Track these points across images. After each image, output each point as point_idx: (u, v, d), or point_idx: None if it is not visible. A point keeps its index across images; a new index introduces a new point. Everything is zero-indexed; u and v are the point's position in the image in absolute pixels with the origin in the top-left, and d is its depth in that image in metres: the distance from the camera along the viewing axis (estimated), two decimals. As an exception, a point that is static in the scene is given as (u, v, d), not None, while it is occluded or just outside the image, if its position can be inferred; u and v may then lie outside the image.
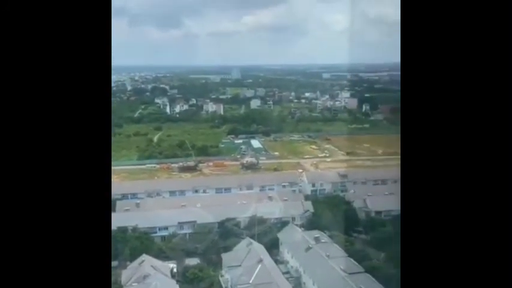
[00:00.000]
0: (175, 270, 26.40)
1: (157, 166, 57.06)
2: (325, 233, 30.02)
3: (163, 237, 32.25)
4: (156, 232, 32.54)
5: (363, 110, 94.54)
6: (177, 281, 24.91)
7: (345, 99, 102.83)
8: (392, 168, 40.84)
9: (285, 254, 29.37)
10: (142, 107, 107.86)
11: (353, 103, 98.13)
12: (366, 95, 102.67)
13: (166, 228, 33.01)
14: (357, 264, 24.90)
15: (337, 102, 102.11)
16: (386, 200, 35.01)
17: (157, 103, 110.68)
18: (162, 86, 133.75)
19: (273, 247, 29.76)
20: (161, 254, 28.46)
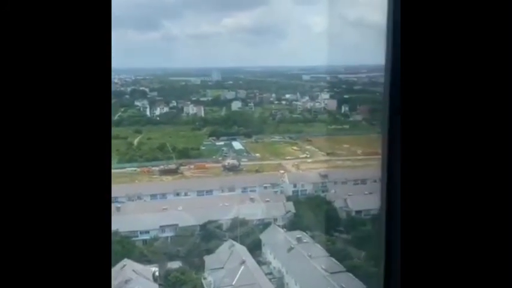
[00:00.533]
0: (157, 274, 26.15)
1: (138, 169, 56.41)
2: (307, 233, 30.21)
3: (144, 241, 31.90)
4: (137, 236, 32.16)
5: (342, 111, 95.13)
6: (160, 285, 24.72)
7: (325, 100, 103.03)
8: (372, 168, 41.43)
9: (268, 255, 29.45)
10: (122, 109, 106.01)
11: (332, 104, 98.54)
12: (345, 96, 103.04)
13: (147, 231, 32.65)
14: (338, 263, 25.15)
15: (317, 104, 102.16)
16: (366, 200, 35.45)
17: (137, 106, 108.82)
18: (141, 88, 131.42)
19: (255, 248, 29.80)
20: (143, 258, 28.16)
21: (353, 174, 46.78)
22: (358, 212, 36.23)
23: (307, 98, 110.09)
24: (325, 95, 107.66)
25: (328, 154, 63.53)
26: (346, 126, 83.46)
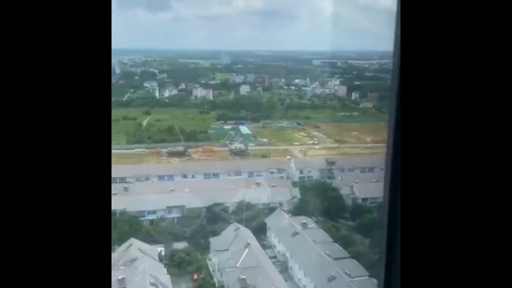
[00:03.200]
0: (163, 253, 26.55)
1: (146, 150, 56.78)
2: (312, 218, 30.38)
3: (151, 221, 32.29)
4: (144, 216, 32.54)
5: (352, 97, 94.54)
6: (165, 265, 25.11)
7: (335, 86, 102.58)
8: (380, 156, 41.20)
9: (272, 238, 29.72)
10: (131, 90, 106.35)
11: (342, 90, 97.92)
12: (356, 82, 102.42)
13: (154, 212, 33.02)
14: (342, 249, 25.33)
15: (326, 90, 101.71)
16: (372, 187, 35.37)
17: (146, 87, 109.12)
18: (151, 70, 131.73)
19: (260, 232, 30.08)
20: (149, 238, 28.57)
21: (360, 161, 46.72)
22: (364, 199, 36.24)
23: (316, 83, 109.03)
24: (335, 81, 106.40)
25: (336, 141, 63.39)
26: (356, 113, 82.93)
